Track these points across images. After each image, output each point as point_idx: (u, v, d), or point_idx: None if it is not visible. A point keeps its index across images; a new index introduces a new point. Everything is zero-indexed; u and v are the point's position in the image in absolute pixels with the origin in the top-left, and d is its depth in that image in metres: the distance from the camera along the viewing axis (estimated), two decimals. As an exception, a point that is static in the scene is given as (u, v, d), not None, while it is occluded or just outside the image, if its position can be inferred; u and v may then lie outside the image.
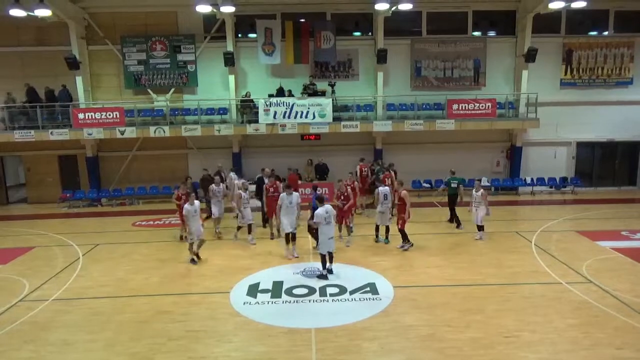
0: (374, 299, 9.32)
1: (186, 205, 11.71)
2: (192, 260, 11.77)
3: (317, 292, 9.68)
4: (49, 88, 19.41)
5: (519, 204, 19.25)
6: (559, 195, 20.65)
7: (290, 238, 11.94)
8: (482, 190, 13.04)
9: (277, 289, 9.91)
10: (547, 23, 19.95)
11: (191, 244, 11.74)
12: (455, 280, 10.29)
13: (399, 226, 12.37)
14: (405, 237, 12.45)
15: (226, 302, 9.36)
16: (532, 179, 20.62)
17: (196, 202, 11.88)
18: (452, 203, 15.13)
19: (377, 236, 13.23)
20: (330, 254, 10.53)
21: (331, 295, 9.55)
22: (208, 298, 9.59)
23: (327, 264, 10.49)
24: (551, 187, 20.90)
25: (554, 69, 20.72)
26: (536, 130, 20.13)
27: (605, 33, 20.72)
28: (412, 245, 12.45)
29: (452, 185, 15.02)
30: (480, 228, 13.23)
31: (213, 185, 14.08)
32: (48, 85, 19.53)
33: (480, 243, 13.06)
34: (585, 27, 20.77)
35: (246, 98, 19.67)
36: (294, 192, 12.03)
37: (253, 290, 9.88)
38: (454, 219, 15.11)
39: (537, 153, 21.14)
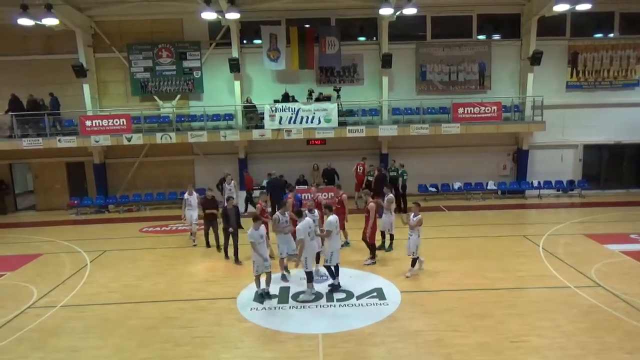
0: (380, 304, 9.29)
1: (250, 231, 9.44)
2: (262, 296, 9.70)
3: (324, 298, 9.66)
4: (32, 97, 19.52)
5: (526, 208, 19.14)
6: (566, 198, 20.52)
7: (286, 263, 10.59)
8: (420, 215, 10.61)
9: (283, 295, 9.90)
10: (552, 26, 19.89)
11: (257, 277, 9.66)
12: (462, 284, 10.24)
13: (368, 239, 11.44)
14: (373, 251, 11.73)
15: (233, 307, 9.36)
16: (539, 182, 20.51)
17: (262, 226, 9.78)
18: (404, 192, 17.61)
19: (382, 243, 12.88)
20: (337, 266, 10.08)
21: (338, 300, 9.54)
22: (215, 304, 9.60)
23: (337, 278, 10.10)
24: (558, 190, 20.77)
25: (559, 71, 20.64)
26: (542, 133, 20.03)
27: (611, 35, 20.63)
28: (375, 263, 11.69)
29: (404, 177, 17.67)
30: (413, 262, 10.81)
31: (278, 214, 10.79)
32: (33, 94, 19.66)
33: (488, 246, 12.97)
34: (591, 29, 20.67)
35: (248, 103, 19.78)
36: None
37: (260, 296, 9.88)
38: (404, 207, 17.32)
39: (543, 156, 21.03)
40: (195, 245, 13.96)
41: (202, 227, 13.80)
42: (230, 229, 12.10)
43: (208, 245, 13.70)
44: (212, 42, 20.42)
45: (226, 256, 12.58)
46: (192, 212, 14.12)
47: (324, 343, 7.80)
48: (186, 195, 14.18)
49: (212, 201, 13.41)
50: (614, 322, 8.25)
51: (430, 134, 19.35)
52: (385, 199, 12.50)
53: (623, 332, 7.87)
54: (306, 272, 9.65)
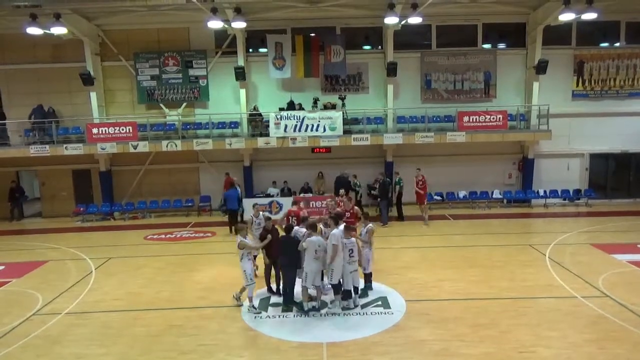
0: (385, 313, 9.25)
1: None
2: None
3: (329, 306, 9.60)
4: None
5: (531, 217, 19.03)
6: (572, 207, 20.37)
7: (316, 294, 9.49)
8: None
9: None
10: (557, 35, 19.86)
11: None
12: (468, 294, 10.17)
13: None
14: None
15: (237, 316, 9.34)
16: (544, 191, 20.39)
17: None
18: (400, 201, 18.01)
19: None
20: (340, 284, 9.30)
21: (342, 309, 9.47)
22: (219, 312, 9.58)
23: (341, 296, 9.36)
24: (564, 200, 20.63)
25: (565, 80, 20.59)
26: (548, 142, 19.94)
27: (617, 44, 20.58)
28: None
29: (401, 184, 17.90)
30: (340, 292, 9.53)
31: (336, 230, 9.20)
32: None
33: (494, 256, 12.88)
34: (597, 38, 20.62)
35: (254, 111, 19.85)
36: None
37: (264, 304, 9.86)
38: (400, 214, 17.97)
39: (549, 165, 20.94)
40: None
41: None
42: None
43: (271, 290, 10.44)
44: (218, 50, 20.54)
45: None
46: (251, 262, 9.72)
47: (328, 352, 7.76)
48: (248, 240, 9.83)
49: (274, 231, 10.18)
50: (621, 332, 8.15)
51: (435, 142, 19.29)
52: (365, 229, 10.23)
53: (631, 343, 7.78)
54: (333, 286, 9.39)
